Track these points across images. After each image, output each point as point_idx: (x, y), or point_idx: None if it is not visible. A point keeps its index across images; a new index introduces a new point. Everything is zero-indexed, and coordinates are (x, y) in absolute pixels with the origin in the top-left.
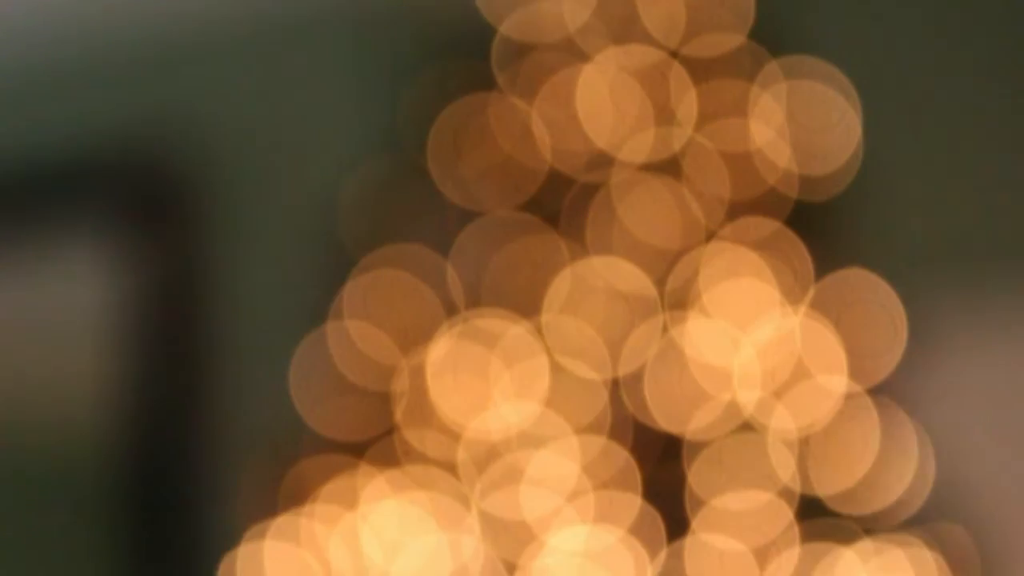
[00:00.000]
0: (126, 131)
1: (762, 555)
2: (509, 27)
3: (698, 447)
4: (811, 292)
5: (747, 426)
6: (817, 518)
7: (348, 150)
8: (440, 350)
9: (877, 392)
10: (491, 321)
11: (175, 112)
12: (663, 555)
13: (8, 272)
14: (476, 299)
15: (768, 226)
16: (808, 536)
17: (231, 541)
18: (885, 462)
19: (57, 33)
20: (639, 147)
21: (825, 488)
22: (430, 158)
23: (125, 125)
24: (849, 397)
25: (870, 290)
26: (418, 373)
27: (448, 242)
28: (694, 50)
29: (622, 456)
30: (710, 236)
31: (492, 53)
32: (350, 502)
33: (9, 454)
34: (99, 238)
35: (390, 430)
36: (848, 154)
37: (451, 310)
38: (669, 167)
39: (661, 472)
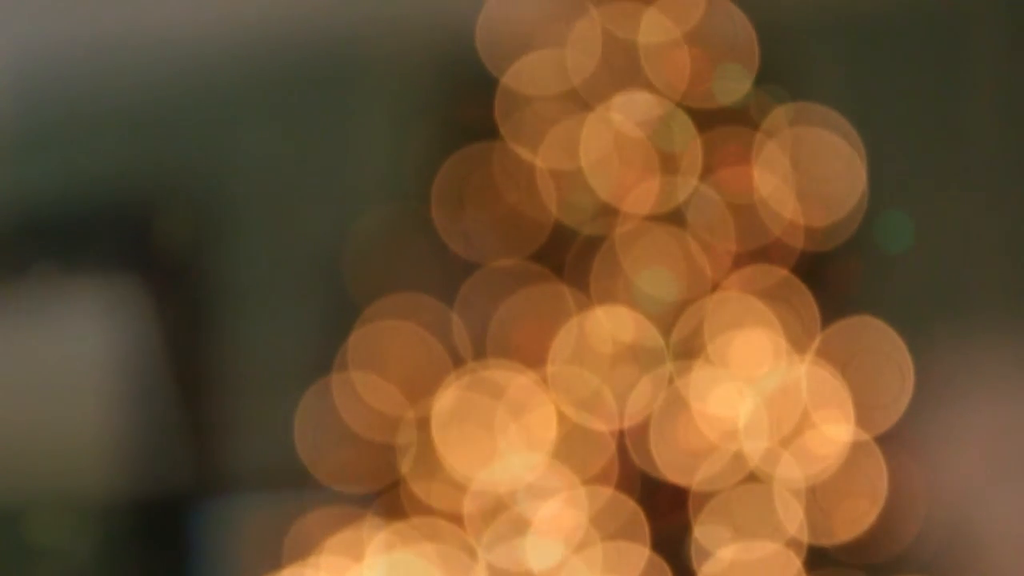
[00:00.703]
0: (130, 180)
1: None
2: (512, 77)
3: (705, 498)
4: (817, 340)
5: (753, 476)
6: (825, 568)
7: (353, 200)
8: (446, 401)
9: (884, 440)
10: (497, 372)
11: (179, 161)
12: None
13: (11, 323)
14: (482, 350)
15: (774, 275)
16: None
17: None
18: (893, 510)
19: (67, 81)
20: (644, 197)
21: (832, 538)
22: (434, 209)
23: (129, 174)
24: (856, 445)
25: (877, 338)
26: (424, 424)
27: (453, 293)
28: (698, 99)
29: (629, 507)
30: (715, 286)
31: (495, 103)
32: (356, 554)
33: (13, 499)
34: (104, 289)
35: (396, 482)
36: (854, 202)
37: (457, 361)
38: (674, 217)
39: (668, 523)
